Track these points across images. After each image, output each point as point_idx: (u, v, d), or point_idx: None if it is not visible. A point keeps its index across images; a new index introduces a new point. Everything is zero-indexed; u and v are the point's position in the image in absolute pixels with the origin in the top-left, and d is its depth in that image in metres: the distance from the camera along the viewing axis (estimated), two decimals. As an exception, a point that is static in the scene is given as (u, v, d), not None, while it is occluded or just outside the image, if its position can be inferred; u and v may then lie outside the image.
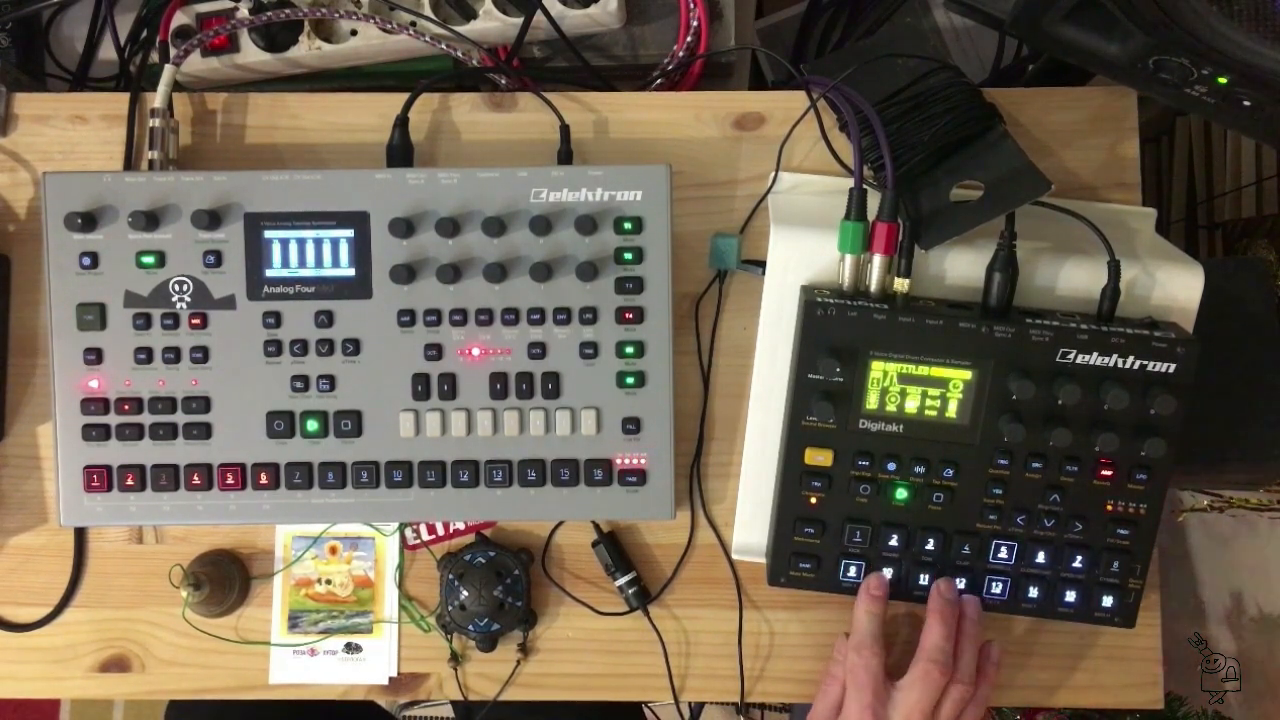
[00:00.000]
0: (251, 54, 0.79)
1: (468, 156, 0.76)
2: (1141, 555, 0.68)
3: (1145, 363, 0.64)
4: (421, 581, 0.75)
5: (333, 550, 0.75)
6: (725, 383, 0.75)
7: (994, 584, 0.69)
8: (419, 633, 0.75)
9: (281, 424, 0.69)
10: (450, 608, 0.72)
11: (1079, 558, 0.68)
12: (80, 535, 0.75)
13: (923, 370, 0.66)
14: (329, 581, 0.75)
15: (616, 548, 0.74)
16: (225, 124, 0.76)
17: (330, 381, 0.69)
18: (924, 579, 0.69)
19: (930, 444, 0.67)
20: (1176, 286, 0.68)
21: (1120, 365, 0.64)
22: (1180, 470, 0.68)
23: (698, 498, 0.75)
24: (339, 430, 0.69)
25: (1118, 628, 0.69)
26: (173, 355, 0.69)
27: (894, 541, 0.68)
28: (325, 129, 0.76)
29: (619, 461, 0.70)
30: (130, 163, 0.75)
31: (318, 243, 0.69)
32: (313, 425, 0.69)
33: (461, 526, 0.75)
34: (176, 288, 0.69)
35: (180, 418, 0.69)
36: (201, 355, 0.69)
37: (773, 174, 0.74)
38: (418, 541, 0.75)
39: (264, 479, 0.70)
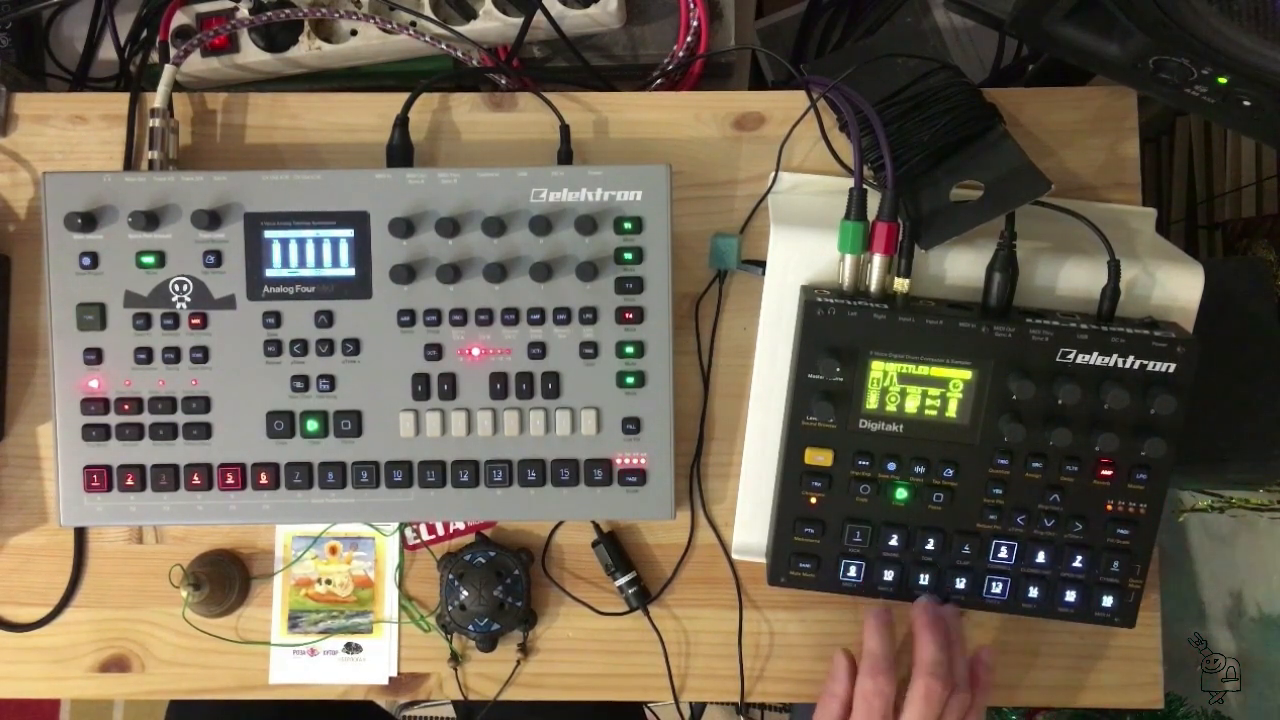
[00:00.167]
0: (251, 54, 0.79)
1: (468, 156, 0.76)
2: (1141, 555, 0.68)
3: (1145, 362, 0.64)
4: (421, 581, 0.75)
5: (333, 550, 0.75)
6: (725, 383, 0.75)
7: (994, 584, 0.69)
8: (419, 633, 0.75)
9: (281, 424, 0.69)
10: (450, 608, 0.72)
11: (1079, 557, 0.68)
12: (80, 535, 0.75)
13: (923, 370, 0.66)
14: (329, 581, 0.75)
15: (616, 548, 0.74)
16: (225, 124, 0.76)
17: (330, 381, 0.69)
18: (924, 579, 0.69)
19: (930, 444, 0.67)
20: (1176, 286, 0.68)
21: (1120, 365, 0.64)
22: (1180, 470, 0.68)
23: (698, 498, 0.75)
24: (339, 430, 0.69)
25: (1118, 628, 0.69)
26: (173, 355, 0.69)
27: (894, 541, 0.68)
28: (325, 129, 0.76)
29: (619, 461, 0.70)
30: (130, 163, 0.75)
31: (318, 243, 0.69)
32: (313, 425, 0.69)
33: (461, 526, 0.75)
34: (176, 288, 0.69)
35: (180, 418, 0.69)
36: (201, 355, 0.69)
37: (773, 174, 0.74)
38: (418, 541, 0.75)
39: (264, 479, 0.70)
